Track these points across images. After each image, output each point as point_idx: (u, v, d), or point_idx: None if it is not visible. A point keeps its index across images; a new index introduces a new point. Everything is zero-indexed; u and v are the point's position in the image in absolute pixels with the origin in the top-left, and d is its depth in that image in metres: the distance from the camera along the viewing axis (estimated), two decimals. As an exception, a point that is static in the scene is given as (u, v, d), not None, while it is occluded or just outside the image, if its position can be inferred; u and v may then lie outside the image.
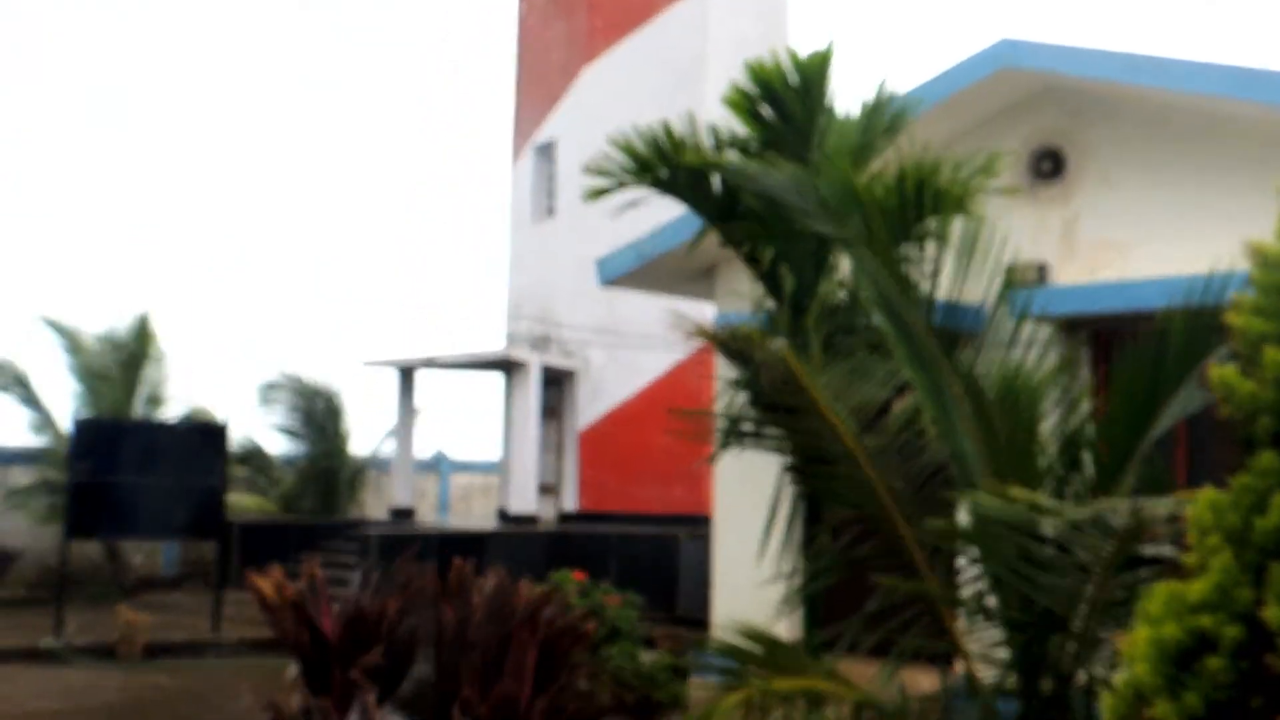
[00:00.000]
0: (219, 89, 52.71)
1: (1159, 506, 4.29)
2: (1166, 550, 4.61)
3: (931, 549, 5.55)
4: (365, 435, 25.74)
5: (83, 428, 17.31)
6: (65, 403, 21.58)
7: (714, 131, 7.98)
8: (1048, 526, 4.74)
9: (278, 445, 25.04)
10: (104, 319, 25.24)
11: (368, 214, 55.77)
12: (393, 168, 56.74)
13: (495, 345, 24.03)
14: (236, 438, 23.67)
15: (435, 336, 42.18)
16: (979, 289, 5.50)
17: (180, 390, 22.50)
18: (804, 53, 7.86)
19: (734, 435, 6.56)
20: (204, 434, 18.11)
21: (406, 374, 23.72)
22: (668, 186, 8.02)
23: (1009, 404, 5.22)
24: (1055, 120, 10.88)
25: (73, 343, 21.77)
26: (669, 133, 7.78)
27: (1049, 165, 10.82)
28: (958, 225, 5.73)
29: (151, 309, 26.05)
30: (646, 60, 22.82)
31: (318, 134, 55.92)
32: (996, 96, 10.90)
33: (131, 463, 16.87)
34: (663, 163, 7.81)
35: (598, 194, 8.14)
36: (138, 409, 21.70)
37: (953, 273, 5.44)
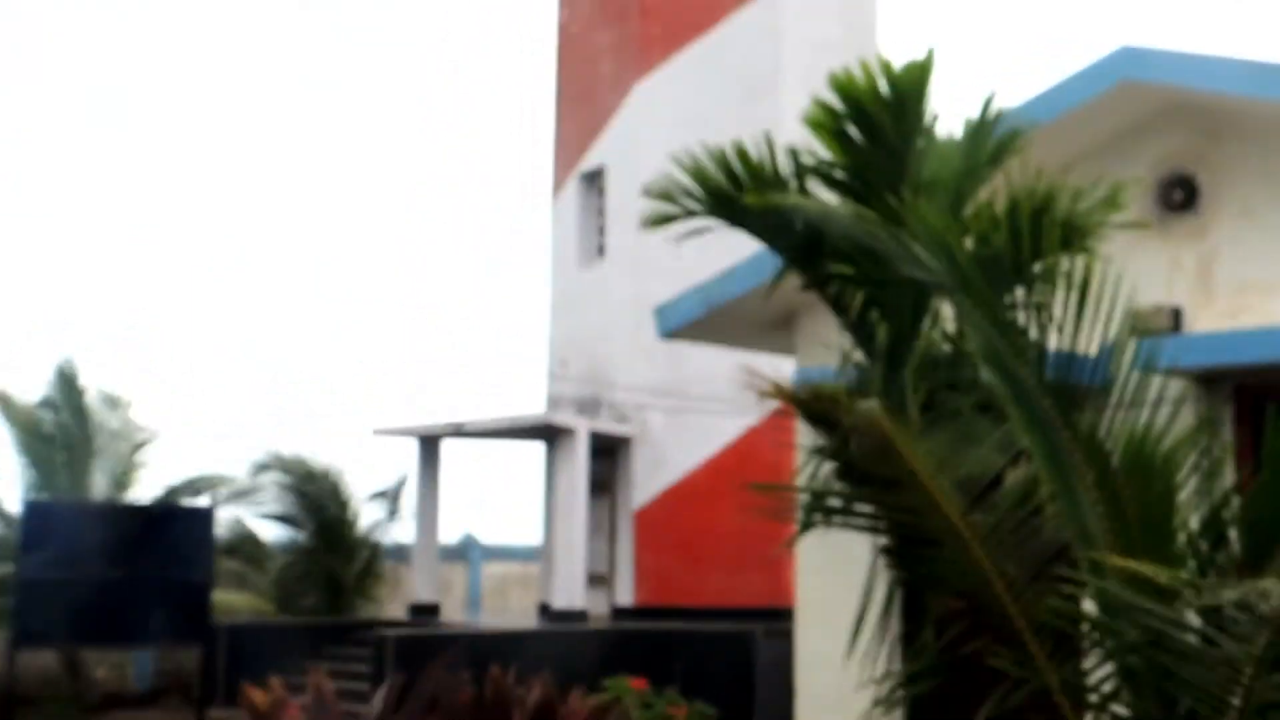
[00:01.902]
0: (222, 94, 53.99)
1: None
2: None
3: (1054, 643, 5.68)
4: (378, 518, 25.99)
5: (35, 512, 17.23)
6: (14, 481, 21.57)
7: (793, 156, 8.13)
8: (1189, 614, 4.88)
9: (273, 532, 25.29)
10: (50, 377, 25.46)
11: (381, 253, 56.49)
12: (410, 197, 57.50)
13: (535, 409, 24.24)
14: (224, 523, 23.89)
15: (463, 399, 42.48)
16: (1101, 338, 5.65)
17: (158, 467, 22.72)
18: (897, 62, 7.97)
19: (819, 513, 6.71)
20: (185, 519, 18.14)
21: (429, 444, 23.95)
22: (741, 219, 8.16)
23: (1139, 472, 5.36)
24: (1186, 142, 11.04)
25: (11, 412, 21.82)
26: (744, 157, 7.94)
27: (1180, 195, 10.98)
28: (1077, 265, 5.89)
29: (106, 364, 26.34)
30: (711, 72, 23.13)
31: (328, 152, 57.11)
32: (1117, 114, 11.08)
33: (95, 554, 16.65)
34: (736, 191, 7.95)
35: (659, 221, 8.28)
36: (99, 488, 21.77)
37: (1071, 320, 5.62)
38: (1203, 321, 10.64)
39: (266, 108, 55.48)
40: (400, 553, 26.09)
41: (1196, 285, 10.82)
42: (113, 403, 22.71)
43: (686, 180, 8.03)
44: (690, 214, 8.17)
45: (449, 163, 59.05)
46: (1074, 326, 5.62)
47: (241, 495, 24.67)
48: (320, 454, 25.29)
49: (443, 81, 60.27)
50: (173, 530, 17.56)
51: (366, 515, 25.61)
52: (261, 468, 24.88)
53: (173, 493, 22.66)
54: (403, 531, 25.75)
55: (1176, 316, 10.63)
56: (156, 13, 54.61)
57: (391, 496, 25.80)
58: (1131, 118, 11.16)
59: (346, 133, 57.78)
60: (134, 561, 16.79)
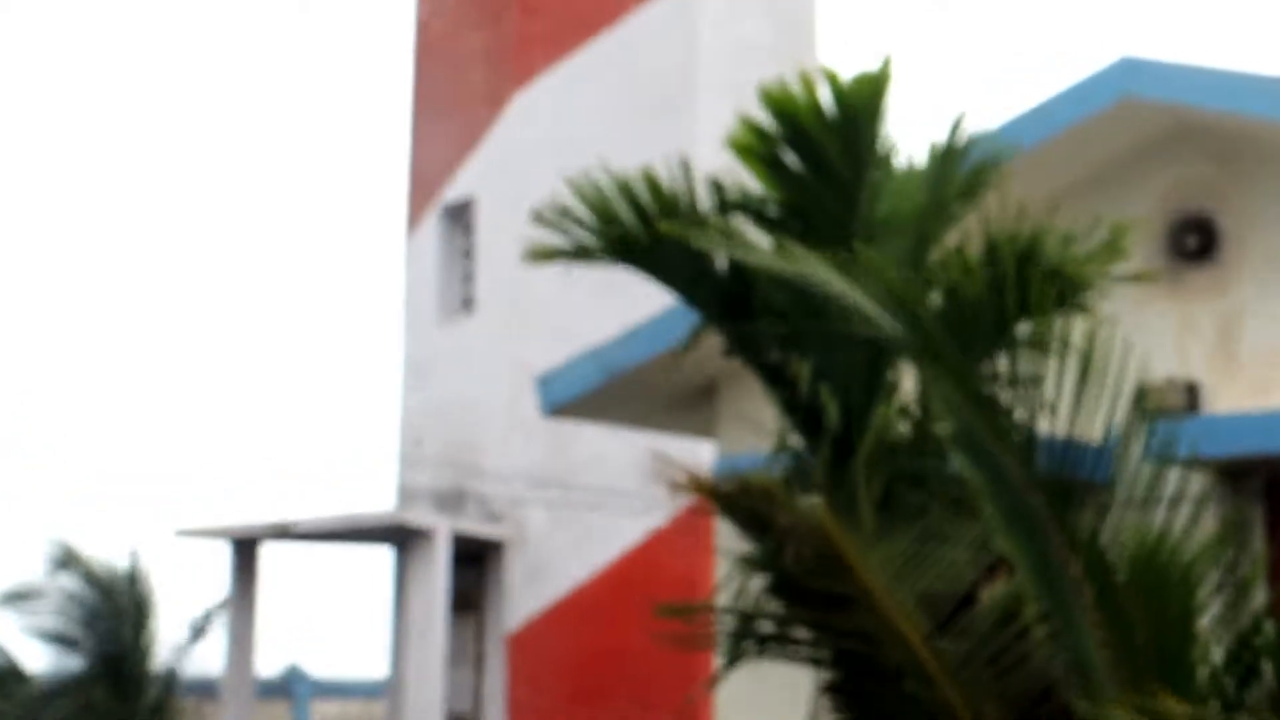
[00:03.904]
0: None
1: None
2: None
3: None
4: (178, 641, 25.68)
5: None
6: None
7: (715, 186, 8.13)
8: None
9: (43, 660, 24.90)
10: None
11: (192, 302, 56.12)
12: (235, 235, 57.32)
13: (382, 504, 24.08)
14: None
15: (290, 492, 42.08)
16: (1103, 420, 5.67)
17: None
18: (845, 73, 7.99)
19: (746, 640, 6.68)
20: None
21: (245, 548, 23.72)
22: (649, 264, 8.14)
23: (1150, 588, 5.38)
24: (1200, 175, 11.19)
25: None
26: (653, 185, 7.92)
27: (1195, 240, 11.11)
28: (1072, 328, 5.91)
29: None
30: (608, 83, 23.17)
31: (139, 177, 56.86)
32: (1116, 139, 11.22)
33: None
34: (643, 228, 7.91)
35: (542, 256, 8.21)
36: None
37: (1065, 397, 5.63)
38: (1225, 399, 10.73)
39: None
40: (206, 686, 25.77)
41: (1216, 353, 10.92)
42: None
43: (580, 210, 7.98)
44: (583, 253, 8.12)
45: (282, 195, 58.91)
46: (1069, 405, 5.63)
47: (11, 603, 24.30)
48: (105, 555, 24.97)
49: (271, 86, 60.26)
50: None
51: (162, 637, 25.31)
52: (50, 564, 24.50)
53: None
54: (209, 659, 25.47)
55: (1192, 393, 10.70)
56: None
57: (198, 615, 25.50)
58: (1134, 144, 11.29)
59: (162, 152, 57.72)
60: None
